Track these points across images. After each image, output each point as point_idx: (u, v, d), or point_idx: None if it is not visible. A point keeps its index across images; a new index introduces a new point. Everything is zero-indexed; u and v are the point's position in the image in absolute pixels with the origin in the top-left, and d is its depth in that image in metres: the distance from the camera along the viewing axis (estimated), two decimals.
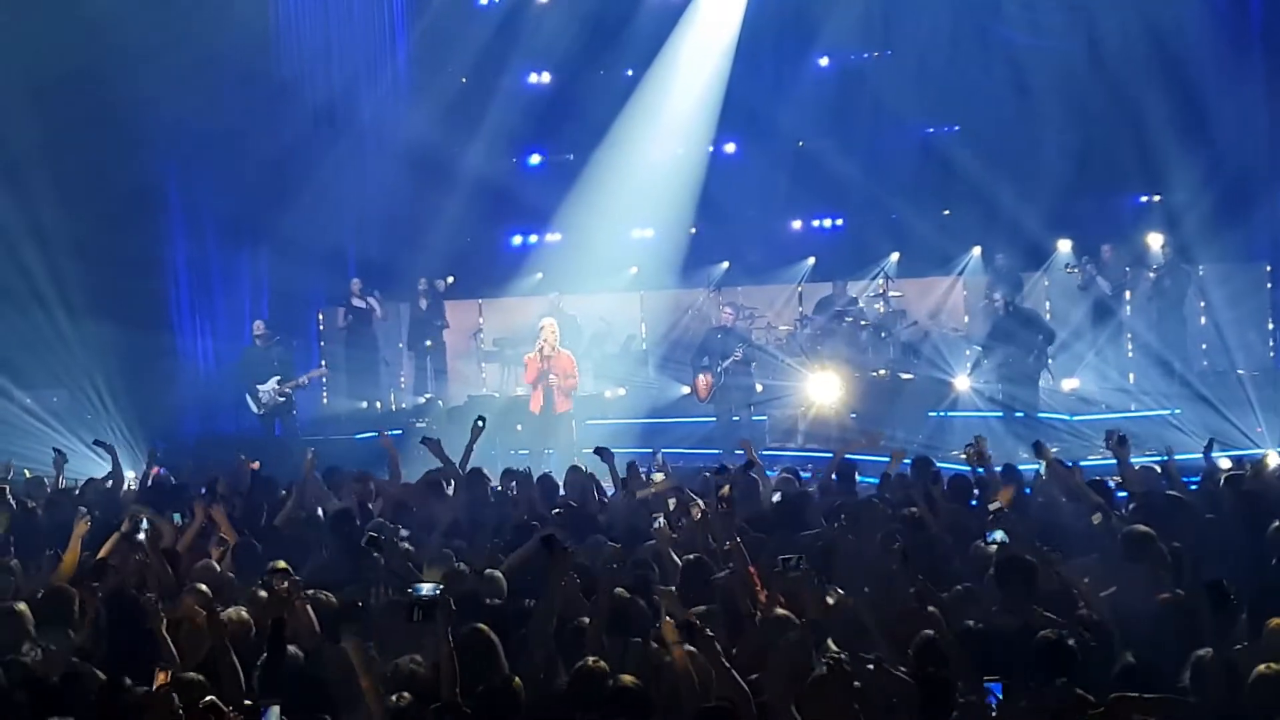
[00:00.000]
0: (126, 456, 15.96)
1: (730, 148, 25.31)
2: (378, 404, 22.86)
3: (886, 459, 12.82)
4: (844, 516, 10.18)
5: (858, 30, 23.98)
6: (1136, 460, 11.87)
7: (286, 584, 7.72)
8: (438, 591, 6.79)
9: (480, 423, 12.79)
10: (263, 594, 8.01)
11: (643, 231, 25.02)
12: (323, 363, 21.94)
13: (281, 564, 8.26)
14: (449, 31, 24.39)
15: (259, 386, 19.99)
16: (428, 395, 22.66)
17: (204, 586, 8.63)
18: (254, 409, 20.12)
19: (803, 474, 13.35)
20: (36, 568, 9.71)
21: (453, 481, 12.19)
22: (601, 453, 12.47)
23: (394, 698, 6.32)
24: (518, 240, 26.20)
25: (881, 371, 19.77)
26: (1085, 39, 22.33)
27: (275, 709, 6.10)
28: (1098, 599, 7.80)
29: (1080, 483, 10.87)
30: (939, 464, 13.71)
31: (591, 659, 6.83)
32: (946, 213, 24.00)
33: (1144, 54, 21.32)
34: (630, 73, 24.64)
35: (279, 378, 20.05)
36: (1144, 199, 23.10)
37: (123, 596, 8.35)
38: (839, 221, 25.44)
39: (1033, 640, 6.93)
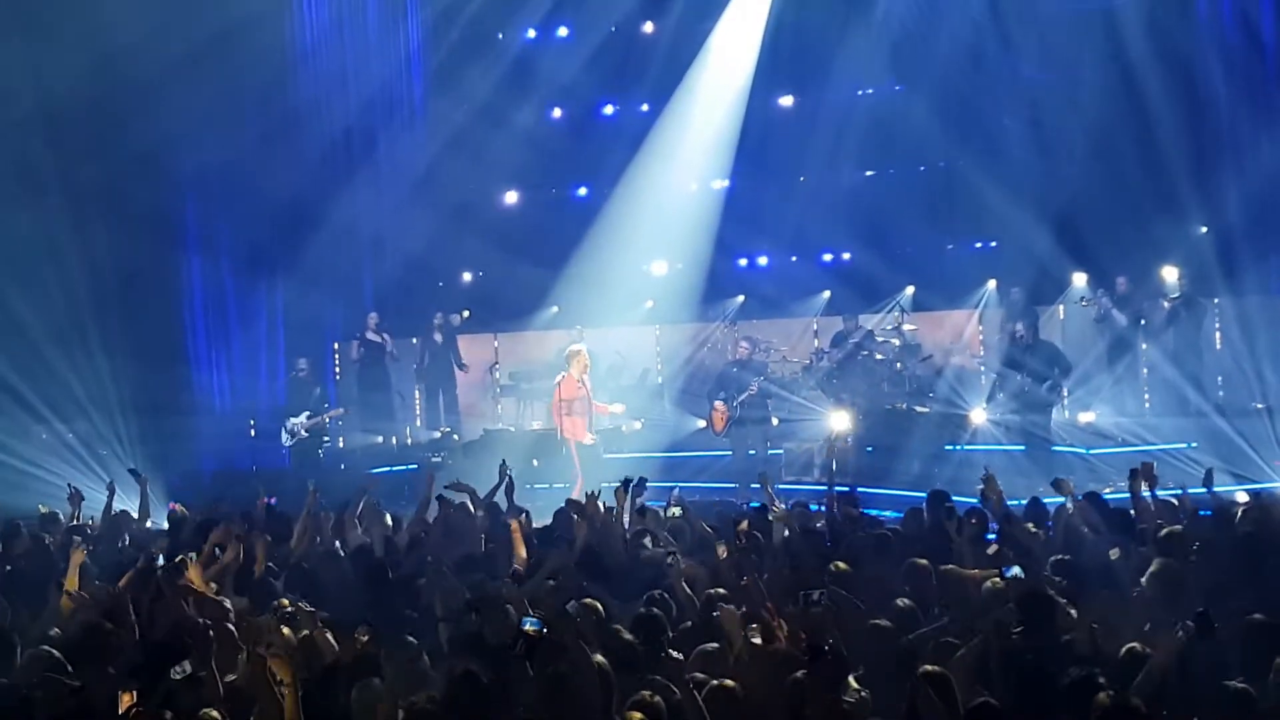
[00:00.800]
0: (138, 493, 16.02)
1: (722, 184, 25.26)
2: (393, 439, 22.87)
3: (899, 492, 12.78)
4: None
5: (869, 64, 24.03)
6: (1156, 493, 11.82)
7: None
8: (543, 627, 6.76)
9: (505, 468, 12.86)
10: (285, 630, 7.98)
11: (659, 265, 25.04)
12: (341, 409, 21.88)
13: (286, 603, 8.21)
14: (466, 64, 24.46)
15: (291, 420, 20.21)
16: (443, 429, 22.67)
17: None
18: (285, 440, 20.30)
19: (812, 507, 13.28)
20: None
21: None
22: (626, 485, 12.39)
23: None
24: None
25: (898, 405, 19.70)
26: (1100, 71, 22.29)
27: None
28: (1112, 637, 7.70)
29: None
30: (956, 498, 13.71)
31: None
32: (951, 247, 24.03)
33: (1160, 86, 21.29)
34: (646, 108, 24.74)
35: (309, 412, 20.25)
36: (1159, 232, 22.99)
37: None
38: (845, 256, 25.43)
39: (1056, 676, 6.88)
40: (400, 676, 7.34)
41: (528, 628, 6.76)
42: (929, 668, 6.82)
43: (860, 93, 24.78)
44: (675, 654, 7.73)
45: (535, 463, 18.61)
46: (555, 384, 17.76)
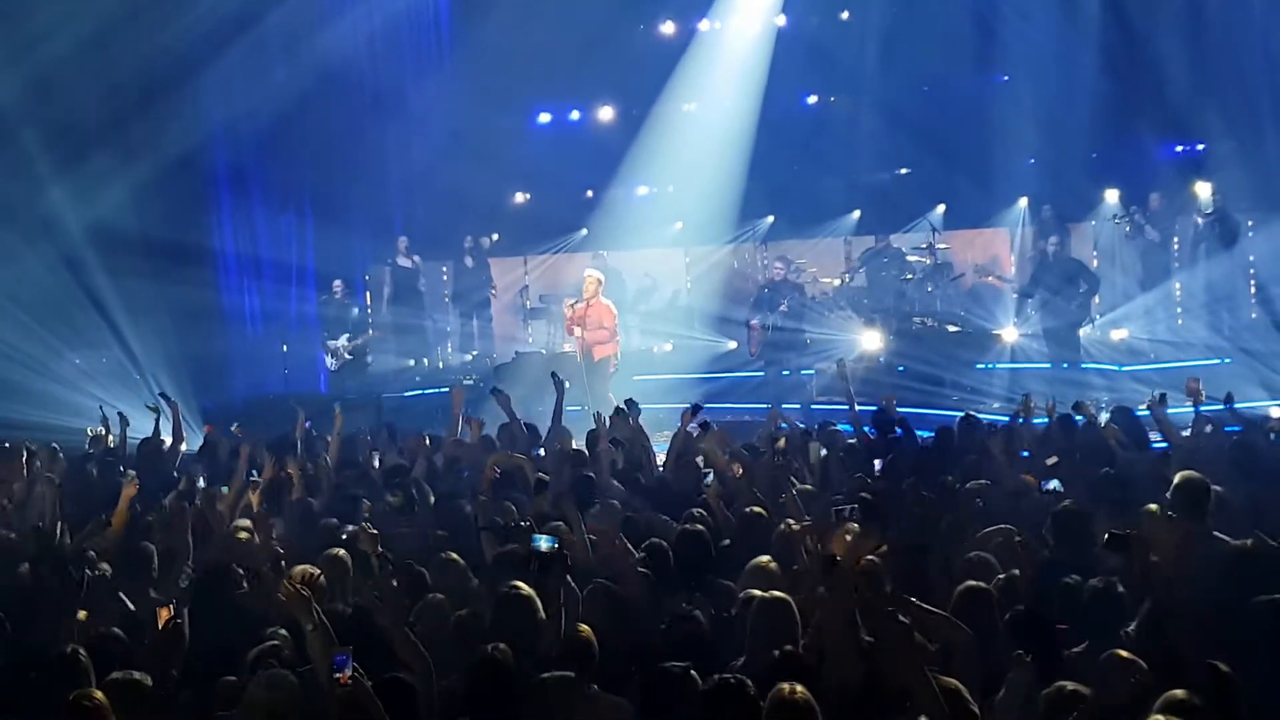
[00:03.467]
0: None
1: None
2: (425, 361, 22.97)
3: (931, 411, 12.80)
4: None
5: None
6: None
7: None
8: (555, 544, 6.80)
9: (559, 379, 13.04)
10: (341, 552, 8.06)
11: (684, 187, 24.93)
12: (374, 332, 21.91)
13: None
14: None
15: (330, 342, 20.37)
16: (474, 352, 22.77)
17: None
18: (330, 364, 20.48)
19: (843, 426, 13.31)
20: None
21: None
22: (628, 405, 12.51)
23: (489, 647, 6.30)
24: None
25: (929, 323, 19.68)
26: None
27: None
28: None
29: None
30: (987, 416, 13.76)
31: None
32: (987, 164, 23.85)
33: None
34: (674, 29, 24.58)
35: (348, 334, 20.39)
36: (1193, 147, 22.80)
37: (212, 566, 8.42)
38: (894, 173, 25.28)
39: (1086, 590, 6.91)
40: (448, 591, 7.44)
41: (542, 545, 6.79)
42: (972, 583, 6.83)
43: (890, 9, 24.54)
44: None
45: (568, 384, 18.64)
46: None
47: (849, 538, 7.06)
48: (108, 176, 19.61)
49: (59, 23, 19.07)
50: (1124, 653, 5.94)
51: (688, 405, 12.15)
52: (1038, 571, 7.32)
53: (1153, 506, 7.99)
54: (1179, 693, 5.39)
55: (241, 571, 7.71)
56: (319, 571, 7.51)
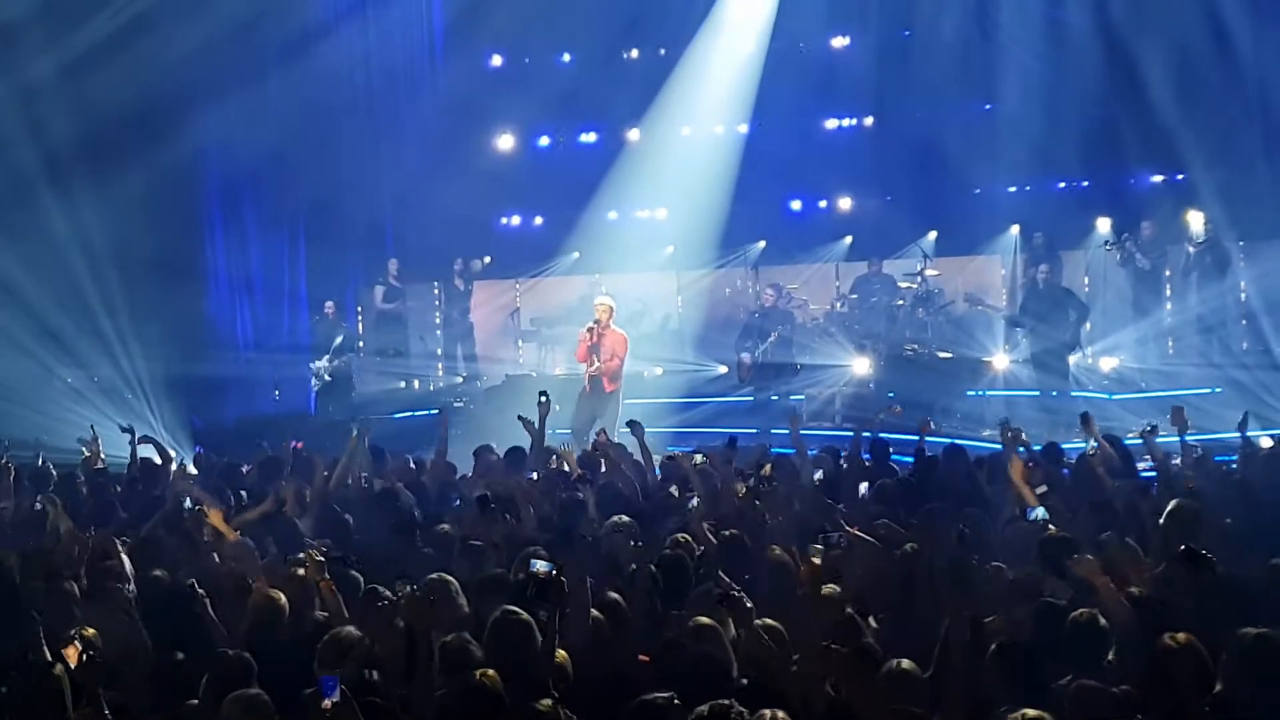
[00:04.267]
0: (166, 438, 16.16)
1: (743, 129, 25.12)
2: (415, 383, 22.96)
3: (915, 437, 12.76)
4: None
5: (885, 10, 23.90)
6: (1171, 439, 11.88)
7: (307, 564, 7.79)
8: (553, 569, 6.79)
9: (543, 398, 12.91)
10: (299, 571, 8.03)
11: (676, 211, 24.95)
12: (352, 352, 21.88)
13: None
14: (484, 11, 24.27)
15: (313, 364, 20.36)
16: (463, 375, 22.76)
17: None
18: (314, 384, 20.49)
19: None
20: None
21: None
22: (633, 426, 12.50)
23: (478, 673, 6.27)
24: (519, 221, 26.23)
25: (919, 350, 19.69)
26: (1123, 13, 22.10)
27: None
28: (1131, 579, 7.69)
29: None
30: (977, 443, 13.76)
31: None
32: (978, 191, 23.89)
33: (1184, 26, 21.08)
34: (663, 52, 24.62)
35: (328, 356, 20.36)
36: (1182, 176, 22.84)
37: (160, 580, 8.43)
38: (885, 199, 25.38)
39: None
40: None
41: (539, 569, 6.76)
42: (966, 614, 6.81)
43: (879, 36, 24.61)
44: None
45: (556, 407, 18.62)
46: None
47: (816, 560, 7.08)
48: (100, 196, 19.62)
49: (52, 40, 19.12)
50: (1090, 683, 5.95)
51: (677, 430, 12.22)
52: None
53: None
54: None
55: (202, 592, 7.70)
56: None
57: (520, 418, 13.07)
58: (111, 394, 19.59)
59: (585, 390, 17.18)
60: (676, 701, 5.81)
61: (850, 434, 13.87)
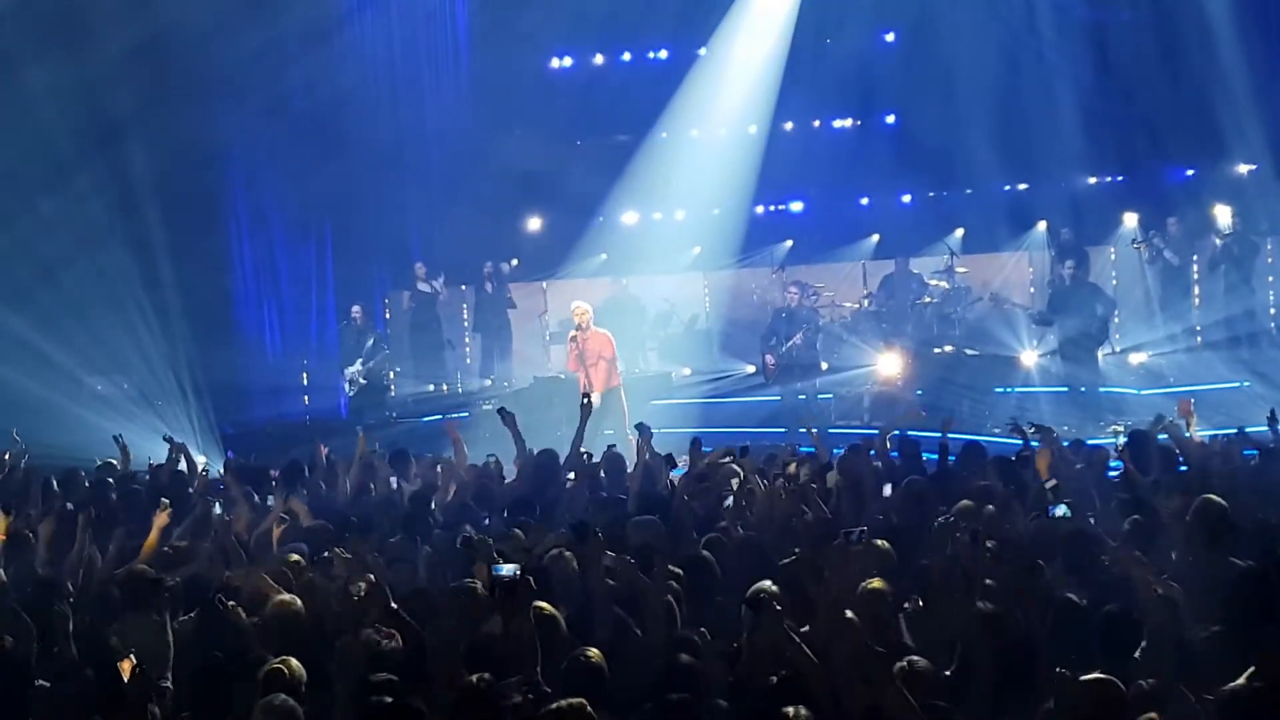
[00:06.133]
0: (194, 443, 16.27)
1: (789, 125, 25.16)
2: (444, 387, 23.04)
3: (937, 434, 12.70)
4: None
5: (906, 6, 23.89)
6: (1205, 432, 11.84)
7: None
8: (517, 572, 6.85)
9: (585, 400, 12.92)
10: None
11: (707, 211, 25.00)
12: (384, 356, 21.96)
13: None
14: (509, 17, 24.34)
15: (347, 369, 20.45)
16: (492, 377, 22.82)
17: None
18: (348, 390, 20.59)
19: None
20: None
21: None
22: (640, 429, 12.50)
23: (474, 677, 6.33)
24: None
25: (947, 348, 19.66)
26: (1148, 7, 22.05)
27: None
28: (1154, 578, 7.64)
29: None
30: (1003, 440, 13.72)
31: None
32: (1007, 188, 23.84)
33: (1207, 21, 20.99)
34: (703, 51, 24.66)
35: (362, 360, 20.44)
36: (1209, 170, 22.75)
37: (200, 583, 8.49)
38: (906, 198, 25.37)
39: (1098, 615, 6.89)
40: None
41: (503, 573, 6.81)
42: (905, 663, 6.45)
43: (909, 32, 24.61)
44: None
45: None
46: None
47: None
48: (124, 204, 19.77)
49: (76, 43, 19.25)
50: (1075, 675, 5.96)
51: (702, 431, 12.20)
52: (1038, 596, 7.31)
53: None
54: None
55: (232, 603, 7.76)
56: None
57: (499, 410, 12.98)
58: (140, 402, 19.72)
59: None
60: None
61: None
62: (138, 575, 8.45)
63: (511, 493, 11.41)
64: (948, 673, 6.47)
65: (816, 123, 25.40)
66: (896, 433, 13.05)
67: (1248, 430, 12.05)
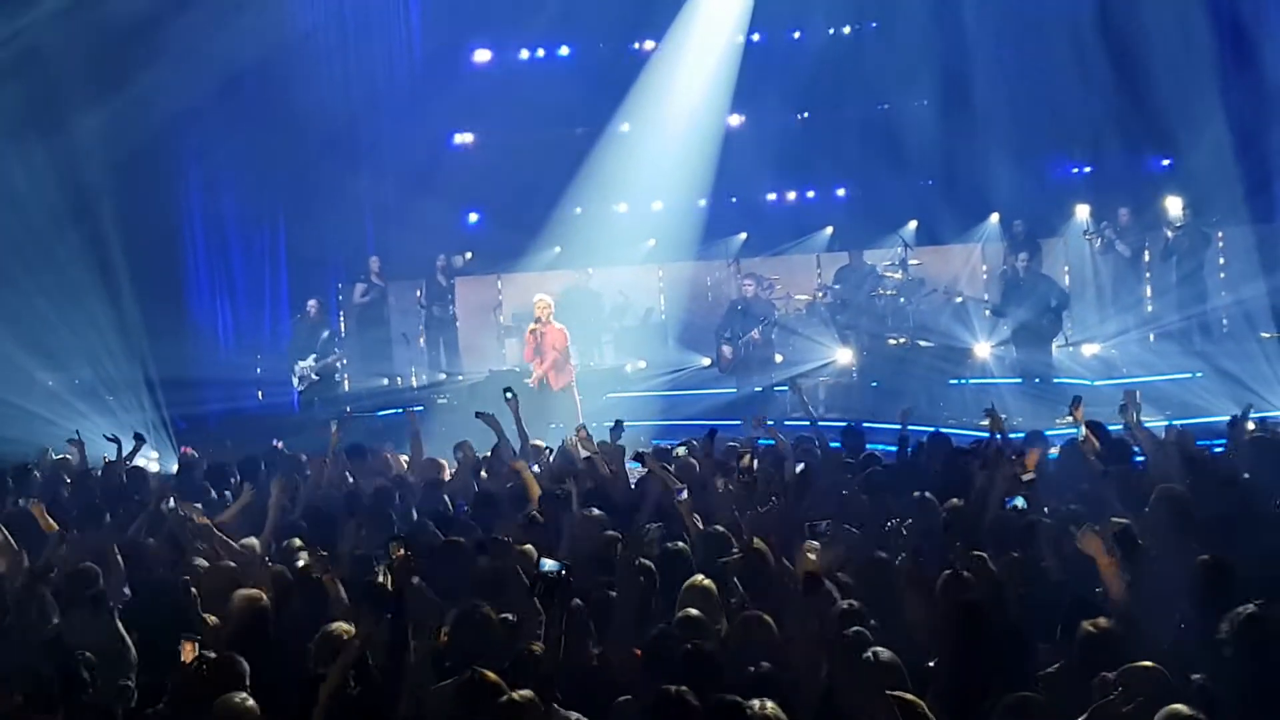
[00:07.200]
0: (150, 437, 16.13)
1: (736, 120, 25.17)
2: (398, 380, 22.94)
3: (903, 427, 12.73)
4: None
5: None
6: (1151, 424, 11.90)
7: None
8: (561, 569, 6.82)
9: (509, 394, 12.89)
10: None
11: (658, 204, 25.00)
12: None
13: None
14: (464, 8, 24.27)
15: (298, 364, 20.28)
16: (445, 372, 22.72)
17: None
18: (297, 385, 20.40)
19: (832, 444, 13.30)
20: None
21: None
22: (617, 426, 12.47)
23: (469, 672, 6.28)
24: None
25: (901, 340, 19.71)
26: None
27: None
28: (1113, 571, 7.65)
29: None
30: (959, 430, 13.79)
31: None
32: (958, 179, 23.92)
33: (1157, 13, 21.11)
34: (642, 46, 24.64)
35: (315, 355, 20.29)
36: (1162, 162, 22.91)
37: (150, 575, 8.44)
38: (840, 192, 25.49)
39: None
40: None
41: (547, 568, 6.78)
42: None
43: (854, 26, 24.70)
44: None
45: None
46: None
47: (811, 555, 7.08)
48: (78, 197, 19.58)
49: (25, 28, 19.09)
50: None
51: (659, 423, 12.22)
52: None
53: None
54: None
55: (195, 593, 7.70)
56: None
57: (479, 414, 13.01)
58: (92, 396, 19.53)
59: (534, 389, 17.40)
60: None
61: (842, 424, 13.91)
62: (81, 572, 8.39)
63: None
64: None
65: (771, 116, 25.35)
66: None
67: (1201, 421, 12.11)
